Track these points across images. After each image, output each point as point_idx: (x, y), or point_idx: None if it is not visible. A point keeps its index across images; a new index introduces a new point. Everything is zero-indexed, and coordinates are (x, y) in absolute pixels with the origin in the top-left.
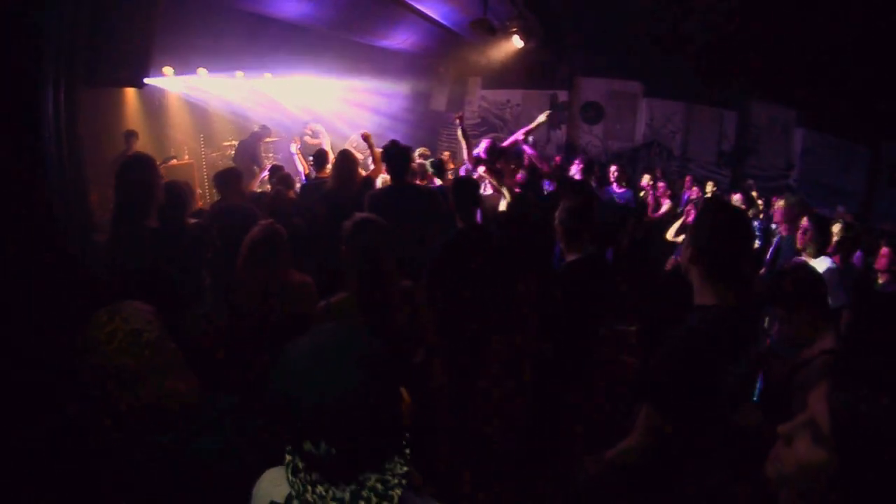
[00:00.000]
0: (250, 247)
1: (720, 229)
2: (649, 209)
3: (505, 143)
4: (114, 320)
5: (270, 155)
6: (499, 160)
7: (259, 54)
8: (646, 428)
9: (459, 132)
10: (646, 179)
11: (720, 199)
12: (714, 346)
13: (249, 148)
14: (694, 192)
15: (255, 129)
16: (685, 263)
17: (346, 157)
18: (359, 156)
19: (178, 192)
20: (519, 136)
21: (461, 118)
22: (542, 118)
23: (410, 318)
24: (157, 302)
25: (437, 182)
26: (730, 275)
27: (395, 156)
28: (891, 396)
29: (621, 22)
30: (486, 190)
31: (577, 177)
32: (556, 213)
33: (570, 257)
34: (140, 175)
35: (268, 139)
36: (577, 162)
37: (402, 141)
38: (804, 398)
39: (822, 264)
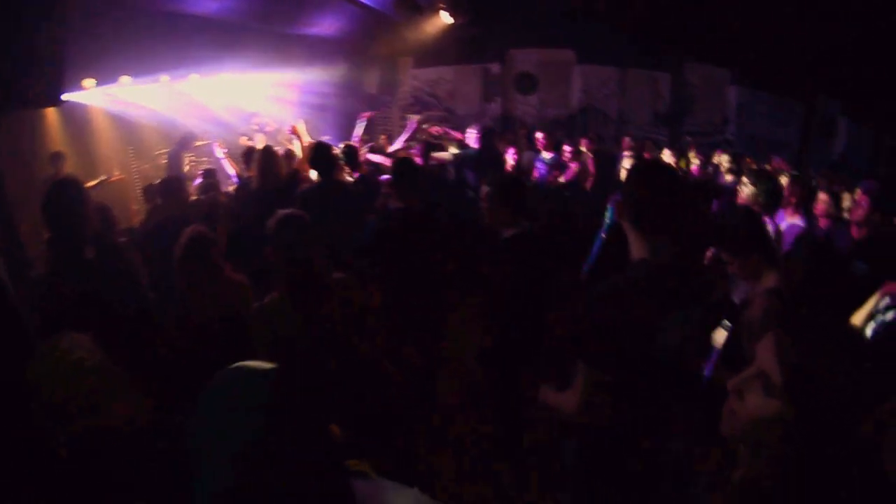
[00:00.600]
0: (180, 254)
1: (644, 185)
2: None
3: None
4: (55, 353)
5: (204, 160)
6: None
7: (182, 55)
8: (583, 384)
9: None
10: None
11: (649, 158)
12: (639, 299)
13: (176, 157)
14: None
15: (182, 136)
16: (619, 220)
17: (265, 154)
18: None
19: (106, 216)
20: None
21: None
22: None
23: (346, 310)
24: (107, 329)
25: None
26: (660, 229)
27: (318, 157)
28: (837, 343)
29: None
30: None
31: (475, 144)
32: (482, 192)
33: (507, 233)
34: (67, 202)
35: (198, 143)
36: (474, 129)
37: (336, 128)
38: (751, 346)
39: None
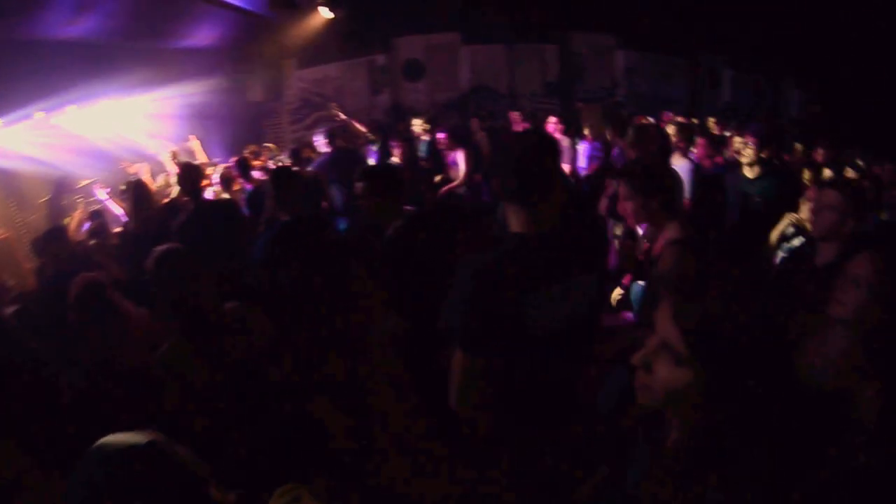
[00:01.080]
0: (73, 308)
1: (506, 156)
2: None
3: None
4: None
5: (91, 200)
6: None
7: (54, 85)
8: (459, 369)
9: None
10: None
11: (512, 132)
12: (508, 276)
13: (55, 205)
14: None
15: (57, 181)
16: (496, 195)
17: (135, 189)
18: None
19: None
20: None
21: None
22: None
23: (248, 340)
24: None
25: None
26: (530, 199)
27: (184, 177)
28: (739, 300)
29: None
30: None
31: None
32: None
33: (394, 224)
34: None
35: (83, 183)
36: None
37: (224, 139)
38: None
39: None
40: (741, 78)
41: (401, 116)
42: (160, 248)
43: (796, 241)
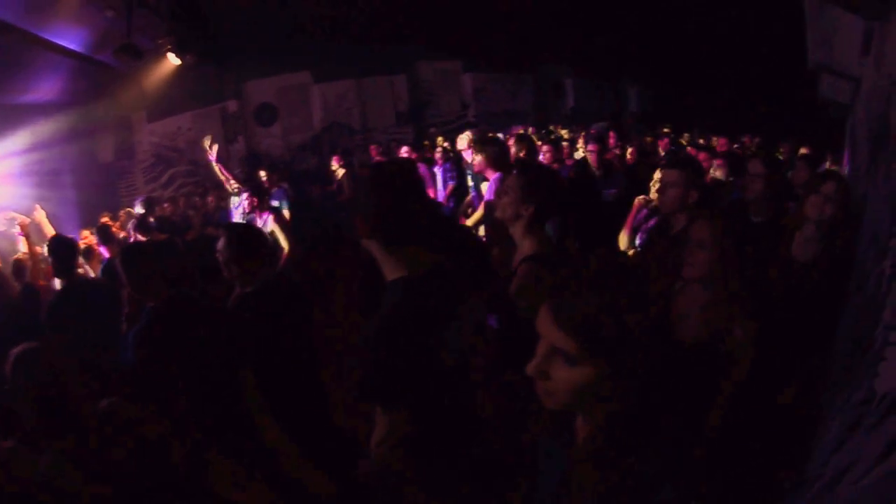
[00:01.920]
0: None
1: (367, 197)
2: None
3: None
4: None
5: None
6: None
7: None
8: (389, 431)
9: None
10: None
11: (380, 162)
12: (416, 320)
13: None
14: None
15: None
16: (363, 240)
17: None
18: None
19: None
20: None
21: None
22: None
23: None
24: None
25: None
26: (412, 234)
27: (57, 251)
28: (597, 295)
29: (278, 16)
30: None
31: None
32: (218, 245)
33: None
34: None
35: None
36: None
37: (74, 206)
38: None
39: None
40: (582, 84)
41: (256, 164)
42: (14, 351)
43: (651, 221)
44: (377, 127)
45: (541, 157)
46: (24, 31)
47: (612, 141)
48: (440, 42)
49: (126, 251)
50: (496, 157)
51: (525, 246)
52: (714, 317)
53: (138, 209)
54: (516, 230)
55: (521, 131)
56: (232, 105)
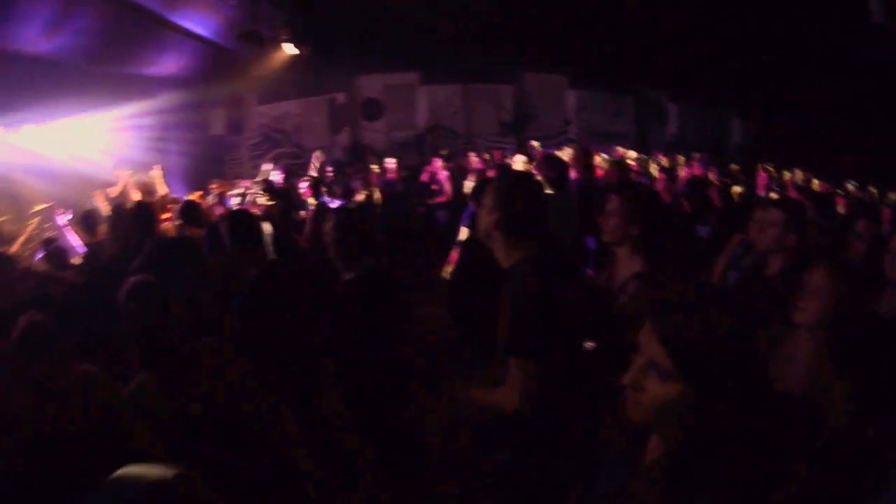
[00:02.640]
0: (13, 352)
1: (514, 191)
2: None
3: None
4: None
5: (46, 226)
6: None
7: (16, 101)
8: (522, 381)
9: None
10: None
11: (507, 167)
12: (549, 287)
13: None
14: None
15: None
16: (488, 231)
17: (118, 216)
18: None
19: None
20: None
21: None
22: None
23: (221, 377)
24: None
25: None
26: (532, 231)
27: (139, 216)
28: (702, 317)
29: (391, 15)
30: None
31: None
32: (325, 228)
33: (346, 276)
34: None
35: (39, 207)
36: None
37: (184, 174)
38: (628, 331)
39: None
40: (685, 111)
41: (360, 155)
42: (132, 279)
43: (748, 260)
44: (479, 134)
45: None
46: (156, 14)
47: (712, 174)
48: (548, 54)
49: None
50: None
51: (633, 264)
52: (817, 367)
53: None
54: (623, 250)
55: (620, 155)
56: (340, 97)
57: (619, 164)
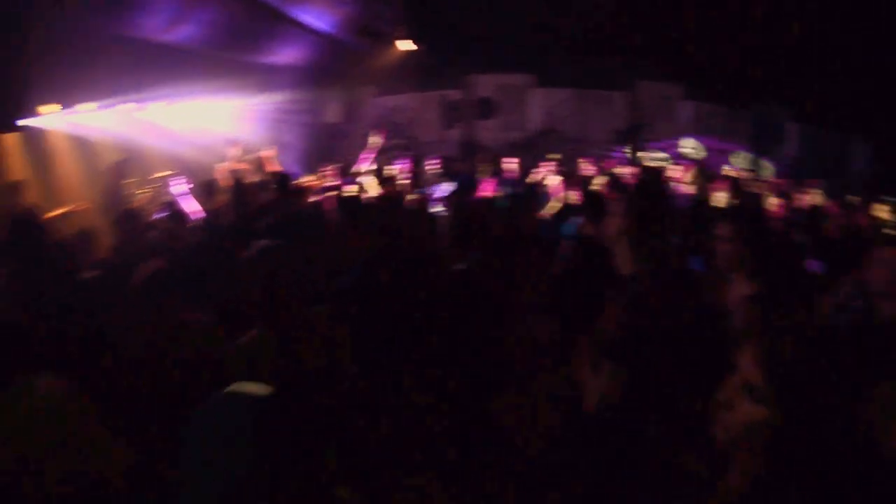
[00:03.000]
0: (136, 289)
1: (645, 199)
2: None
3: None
4: (23, 400)
5: (167, 192)
6: None
7: (148, 83)
8: (609, 385)
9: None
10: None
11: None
12: (666, 299)
13: (114, 188)
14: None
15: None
16: (615, 235)
17: (237, 187)
18: None
19: (67, 249)
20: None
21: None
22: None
23: (329, 344)
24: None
25: None
26: (659, 241)
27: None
28: (810, 345)
29: (508, 16)
30: None
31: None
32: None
33: (456, 266)
34: (30, 239)
35: (161, 174)
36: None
37: (298, 158)
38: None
39: None
40: (805, 131)
41: (471, 152)
42: (261, 242)
43: (858, 303)
44: (592, 140)
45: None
46: (277, 9)
47: (830, 203)
48: (661, 63)
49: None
50: None
51: (744, 287)
52: None
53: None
54: (735, 275)
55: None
56: (454, 94)
57: (734, 184)
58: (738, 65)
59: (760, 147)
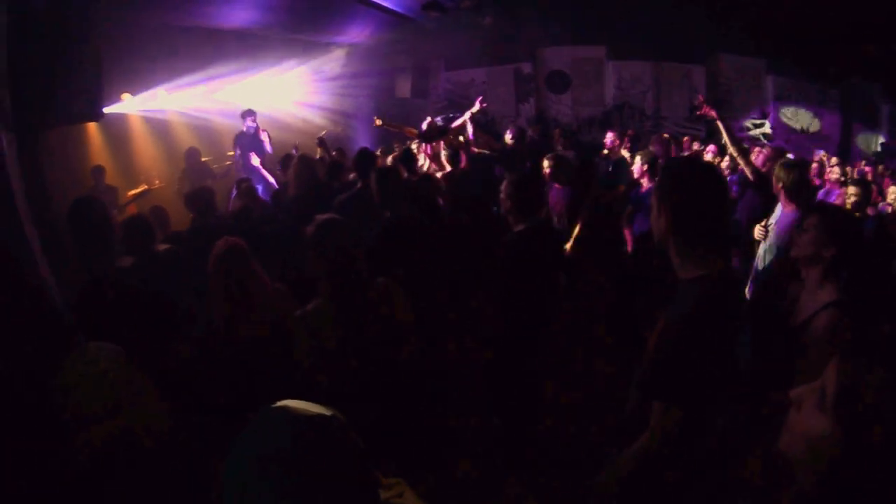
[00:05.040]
0: (214, 262)
1: (695, 191)
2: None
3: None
4: (80, 362)
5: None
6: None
7: (219, 66)
8: (663, 428)
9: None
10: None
11: (686, 158)
12: (720, 321)
13: (193, 170)
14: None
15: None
16: (661, 234)
17: (303, 162)
18: None
19: (141, 224)
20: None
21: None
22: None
23: (390, 315)
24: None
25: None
26: (712, 238)
27: (361, 161)
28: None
29: None
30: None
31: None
32: (502, 187)
33: (517, 228)
34: (89, 221)
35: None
36: (509, 131)
37: (370, 134)
38: (814, 359)
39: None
40: None
41: (545, 126)
42: (324, 216)
43: None
44: (669, 116)
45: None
46: None
47: None
48: (743, 35)
49: (377, 171)
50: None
51: (824, 291)
52: None
53: None
54: (813, 273)
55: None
56: (526, 67)
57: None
58: (827, 36)
59: (851, 131)
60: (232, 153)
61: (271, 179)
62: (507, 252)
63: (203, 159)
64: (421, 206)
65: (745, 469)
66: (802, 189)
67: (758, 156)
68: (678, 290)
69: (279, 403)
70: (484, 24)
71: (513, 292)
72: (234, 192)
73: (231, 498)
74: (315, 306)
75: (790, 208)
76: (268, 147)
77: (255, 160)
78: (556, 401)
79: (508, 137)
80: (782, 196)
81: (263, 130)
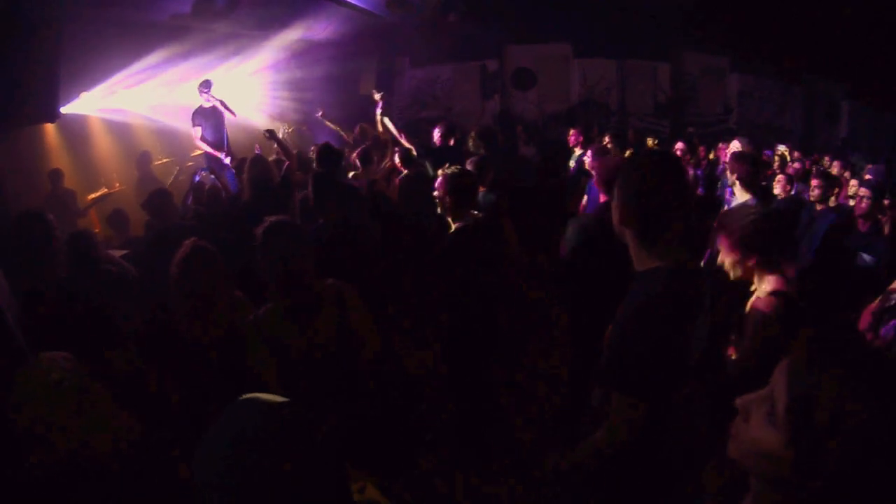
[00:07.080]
0: (177, 267)
1: (649, 182)
2: None
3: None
4: (32, 375)
5: (203, 172)
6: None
7: (179, 64)
8: (621, 419)
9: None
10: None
11: (647, 152)
12: (673, 311)
13: (147, 177)
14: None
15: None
16: (617, 226)
17: (255, 164)
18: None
19: (83, 237)
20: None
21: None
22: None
23: (343, 316)
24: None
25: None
26: (669, 230)
27: (324, 157)
28: (848, 368)
29: None
30: None
31: (437, 143)
32: (436, 184)
33: (455, 226)
34: (28, 239)
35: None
36: (437, 127)
37: (332, 132)
38: (747, 346)
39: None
40: (861, 110)
41: (509, 124)
42: (271, 218)
43: None
44: (634, 113)
45: (812, 192)
46: None
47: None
48: (708, 34)
49: (314, 176)
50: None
51: (767, 282)
52: None
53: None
54: (751, 271)
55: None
56: (492, 64)
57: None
58: (790, 35)
59: (812, 125)
60: (197, 153)
61: (226, 184)
62: (448, 251)
63: (156, 163)
64: (366, 210)
65: (706, 473)
66: (755, 178)
67: (722, 151)
68: (634, 281)
69: (247, 396)
70: (448, 21)
71: (458, 292)
72: (191, 196)
73: (209, 486)
74: (266, 310)
75: (748, 197)
76: (231, 114)
77: (216, 164)
78: (518, 391)
79: (437, 135)
80: (738, 186)
81: (220, 100)
